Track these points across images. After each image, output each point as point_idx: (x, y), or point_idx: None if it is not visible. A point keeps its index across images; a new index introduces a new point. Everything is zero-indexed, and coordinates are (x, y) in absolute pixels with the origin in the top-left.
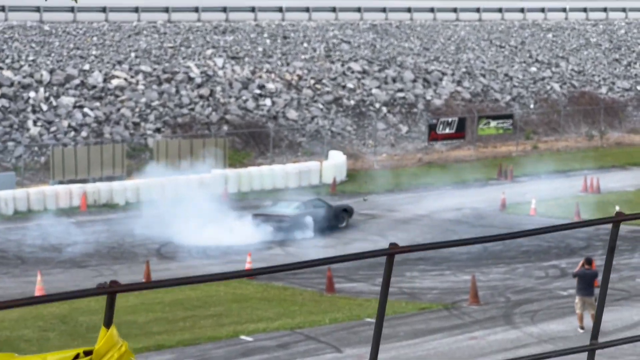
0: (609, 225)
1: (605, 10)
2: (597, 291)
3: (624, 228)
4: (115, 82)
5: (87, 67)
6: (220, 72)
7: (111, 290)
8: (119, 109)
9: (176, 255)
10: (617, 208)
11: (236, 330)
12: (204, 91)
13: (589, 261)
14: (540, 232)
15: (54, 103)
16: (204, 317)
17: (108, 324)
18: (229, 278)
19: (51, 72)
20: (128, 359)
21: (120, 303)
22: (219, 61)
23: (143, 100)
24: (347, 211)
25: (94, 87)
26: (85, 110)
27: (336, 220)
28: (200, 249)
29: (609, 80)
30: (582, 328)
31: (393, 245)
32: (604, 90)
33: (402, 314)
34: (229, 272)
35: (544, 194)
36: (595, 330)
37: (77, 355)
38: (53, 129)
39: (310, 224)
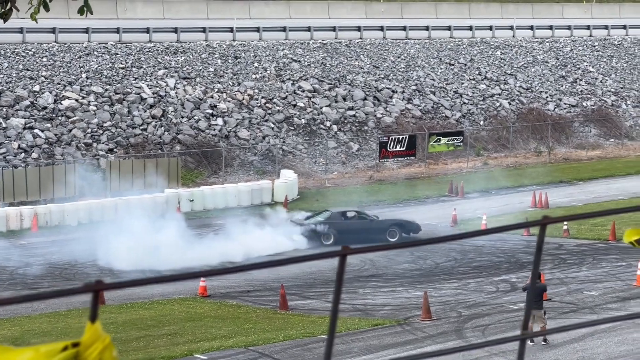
0: (557, 240)
1: (551, 28)
2: (546, 304)
3: (570, 242)
4: (66, 103)
5: (37, 88)
6: (172, 93)
7: (96, 289)
8: (70, 130)
9: (129, 275)
10: (565, 222)
11: (190, 349)
12: (156, 111)
13: (537, 275)
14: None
15: (4, 124)
16: (158, 337)
17: (93, 319)
18: (212, 275)
19: (0, 93)
20: (110, 351)
21: (74, 323)
22: (171, 81)
23: (95, 120)
24: (401, 226)
25: (45, 108)
26: (36, 131)
27: (381, 233)
28: (154, 270)
29: (555, 96)
30: (532, 341)
31: (345, 247)
32: (551, 106)
33: (355, 330)
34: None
35: (495, 209)
36: (525, 322)
37: (66, 347)
38: (2, 150)
39: (330, 235)
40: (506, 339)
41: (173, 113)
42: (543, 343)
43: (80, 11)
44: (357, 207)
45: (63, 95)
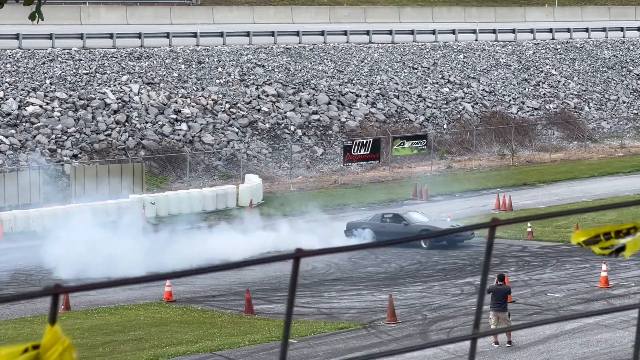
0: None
1: (513, 31)
2: (510, 306)
3: (534, 244)
4: (30, 109)
5: (1, 94)
6: (136, 98)
7: (55, 292)
8: (34, 136)
9: (97, 280)
10: (529, 225)
11: (156, 354)
12: (120, 117)
13: (501, 277)
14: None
15: None
16: (124, 342)
17: (52, 321)
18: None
19: None
20: (70, 352)
21: (39, 329)
22: (135, 87)
23: (59, 126)
24: (431, 232)
25: (9, 114)
26: (0, 137)
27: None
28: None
29: (518, 99)
30: (496, 343)
31: (299, 249)
32: (514, 109)
33: (321, 334)
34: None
35: (459, 212)
36: (477, 320)
37: (26, 349)
38: None
39: (368, 236)
40: (459, 338)
41: (137, 118)
42: (508, 345)
43: (32, 17)
44: (400, 210)
45: (27, 102)
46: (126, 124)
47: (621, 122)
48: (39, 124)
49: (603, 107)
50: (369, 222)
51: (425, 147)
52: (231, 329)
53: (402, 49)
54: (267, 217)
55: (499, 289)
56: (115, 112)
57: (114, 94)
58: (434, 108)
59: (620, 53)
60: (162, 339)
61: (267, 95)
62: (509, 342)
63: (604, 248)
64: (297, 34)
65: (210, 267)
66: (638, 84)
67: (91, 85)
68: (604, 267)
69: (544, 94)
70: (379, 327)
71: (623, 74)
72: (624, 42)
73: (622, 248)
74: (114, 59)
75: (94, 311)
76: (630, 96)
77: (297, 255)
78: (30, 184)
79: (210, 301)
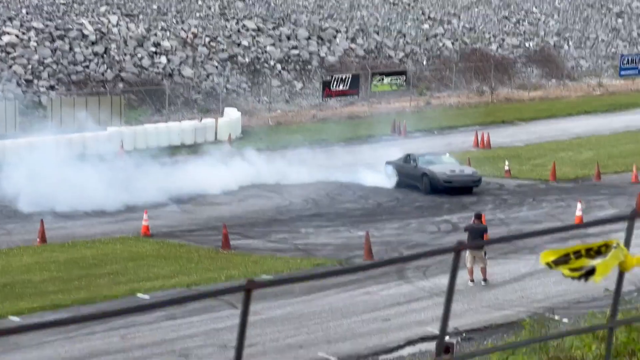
0: (498, 180)
1: None
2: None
3: (512, 182)
4: (6, 38)
5: None
6: (115, 30)
7: (248, 287)
8: (10, 66)
9: (73, 214)
10: (507, 163)
11: (132, 289)
12: (99, 48)
13: (478, 216)
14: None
15: None
16: (100, 276)
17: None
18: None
19: None
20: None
21: (15, 262)
22: (113, 18)
23: (35, 57)
24: (427, 176)
25: None
26: None
27: (418, 180)
28: (97, 208)
29: (498, 37)
30: (472, 281)
31: (250, 281)
32: (494, 47)
33: (297, 269)
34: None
35: (437, 149)
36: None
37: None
38: None
39: (391, 174)
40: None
41: (116, 50)
42: (483, 283)
43: None
44: (427, 153)
45: (3, 31)
46: (104, 55)
47: (600, 61)
48: (15, 54)
49: (582, 45)
50: (395, 161)
51: (405, 83)
52: (208, 264)
53: None
54: (246, 150)
55: (475, 227)
56: (93, 43)
57: (91, 25)
58: (414, 44)
59: None
60: (139, 273)
61: (247, 30)
62: (485, 279)
63: (574, 269)
64: None
65: (156, 303)
66: (617, 23)
67: (68, 15)
68: (579, 205)
69: (524, 32)
70: (355, 264)
71: (603, 12)
72: None
73: (592, 271)
74: None
75: (70, 244)
76: (609, 35)
77: (248, 287)
78: (5, 115)
79: (188, 236)
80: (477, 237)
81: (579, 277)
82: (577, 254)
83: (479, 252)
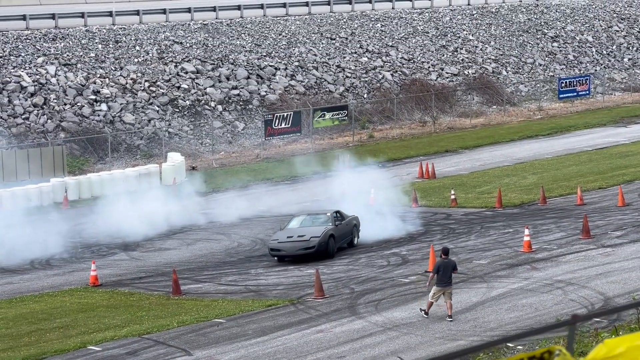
0: (445, 210)
1: None
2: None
3: (458, 211)
4: None
5: None
6: (53, 80)
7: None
8: None
9: (19, 269)
10: (452, 192)
11: (83, 341)
12: (38, 99)
13: (446, 252)
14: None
15: None
16: (50, 330)
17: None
18: None
19: None
20: None
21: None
22: (51, 69)
23: None
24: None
25: None
26: None
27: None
28: (43, 260)
29: (437, 66)
30: (427, 314)
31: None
32: (433, 76)
33: (249, 312)
34: None
35: (383, 182)
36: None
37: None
38: None
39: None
40: None
41: (55, 100)
42: (449, 319)
43: None
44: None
45: None
46: (44, 106)
47: (538, 85)
48: None
49: (520, 70)
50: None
51: (346, 117)
52: (159, 311)
53: (319, 20)
54: (189, 193)
55: (446, 263)
56: (32, 94)
57: (30, 76)
58: (354, 78)
59: (535, 16)
60: (90, 325)
61: (186, 72)
62: (450, 316)
63: None
64: (214, 9)
65: None
66: (553, 47)
67: (6, 68)
68: (526, 231)
69: (462, 60)
70: (307, 302)
71: (538, 37)
72: (537, 5)
73: None
74: (28, 40)
75: (18, 299)
76: (546, 59)
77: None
78: None
79: (137, 283)
80: (449, 273)
81: None
82: None
83: (449, 288)
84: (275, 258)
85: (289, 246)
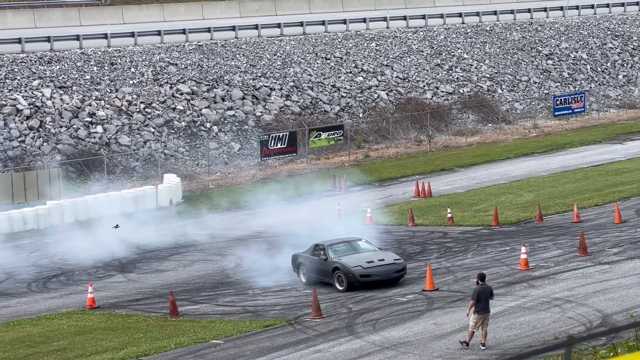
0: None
1: (424, 17)
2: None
3: (455, 230)
4: None
5: None
6: (49, 103)
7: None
8: None
9: (16, 292)
10: (449, 210)
11: None
12: (34, 122)
13: (482, 277)
14: None
15: None
16: (47, 353)
17: None
18: None
19: None
20: None
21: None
22: (47, 91)
23: None
24: (340, 270)
25: None
26: None
27: (327, 277)
28: (40, 283)
29: (432, 85)
30: (467, 345)
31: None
32: (428, 95)
33: (247, 332)
34: None
35: (379, 201)
36: None
37: None
38: None
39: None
40: None
41: (51, 123)
42: (482, 348)
43: None
44: (341, 238)
45: None
46: (40, 129)
47: (533, 103)
48: None
49: (515, 88)
50: (302, 253)
51: (342, 137)
52: (157, 333)
53: (314, 40)
54: (186, 215)
55: (484, 288)
56: (27, 117)
57: (25, 99)
58: (349, 97)
59: (529, 34)
60: (87, 348)
61: (182, 94)
62: (483, 344)
63: None
64: (209, 30)
65: None
66: (547, 64)
67: (1, 91)
68: (523, 249)
69: (457, 78)
70: (304, 322)
71: (533, 54)
72: (531, 23)
73: None
74: (23, 63)
75: (15, 323)
76: (541, 76)
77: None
78: None
79: (134, 305)
80: (487, 298)
81: None
82: None
83: (487, 315)
84: (356, 284)
85: (381, 270)
